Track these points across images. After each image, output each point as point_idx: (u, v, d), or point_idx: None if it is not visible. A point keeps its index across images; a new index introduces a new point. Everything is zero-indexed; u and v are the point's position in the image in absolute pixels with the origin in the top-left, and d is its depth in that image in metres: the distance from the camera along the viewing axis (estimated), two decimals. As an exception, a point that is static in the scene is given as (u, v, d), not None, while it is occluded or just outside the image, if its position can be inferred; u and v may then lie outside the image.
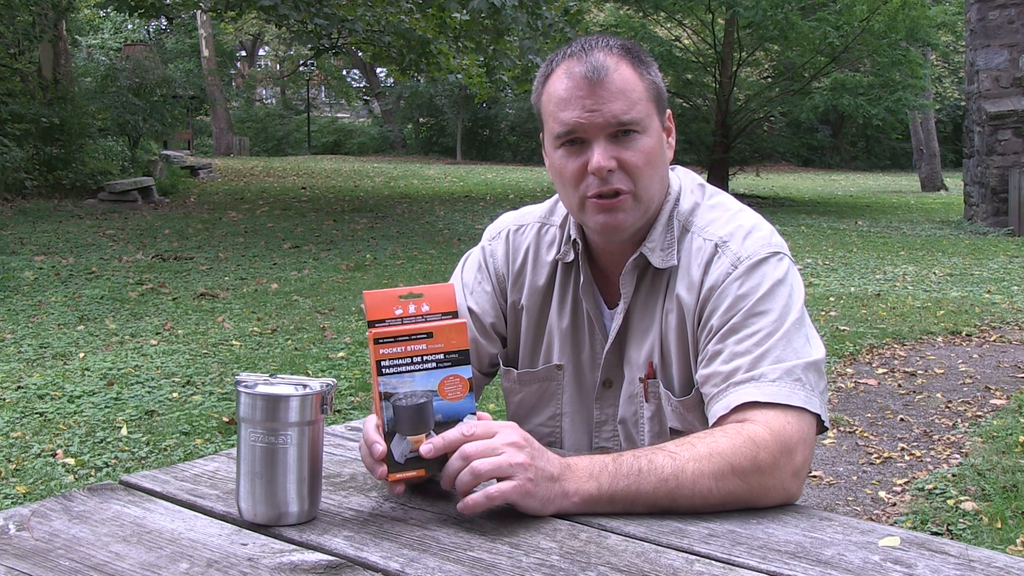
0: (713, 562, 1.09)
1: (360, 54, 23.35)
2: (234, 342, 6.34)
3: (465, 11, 12.06)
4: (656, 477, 1.23)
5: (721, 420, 1.36)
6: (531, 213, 1.68)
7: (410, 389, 1.24)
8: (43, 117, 14.63)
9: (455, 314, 1.30)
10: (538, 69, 1.61)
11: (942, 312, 7.58)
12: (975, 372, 5.84)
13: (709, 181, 1.69)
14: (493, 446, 1.19)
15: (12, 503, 3.63)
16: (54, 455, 4.19)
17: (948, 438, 4.59)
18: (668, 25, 21.43)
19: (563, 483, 1.21)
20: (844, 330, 6.85)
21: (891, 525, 2.64)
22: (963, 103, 18.03)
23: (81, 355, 5.93)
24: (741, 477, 1.25)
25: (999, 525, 3.39)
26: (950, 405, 5.15)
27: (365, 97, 40.50)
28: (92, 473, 4.00)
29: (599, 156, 1.43)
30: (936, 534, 3.15)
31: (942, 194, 23.47)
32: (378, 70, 36.47)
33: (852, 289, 8.81)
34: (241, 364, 5.75)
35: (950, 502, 3.68)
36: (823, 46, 17.82)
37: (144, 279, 8.69)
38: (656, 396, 1.54)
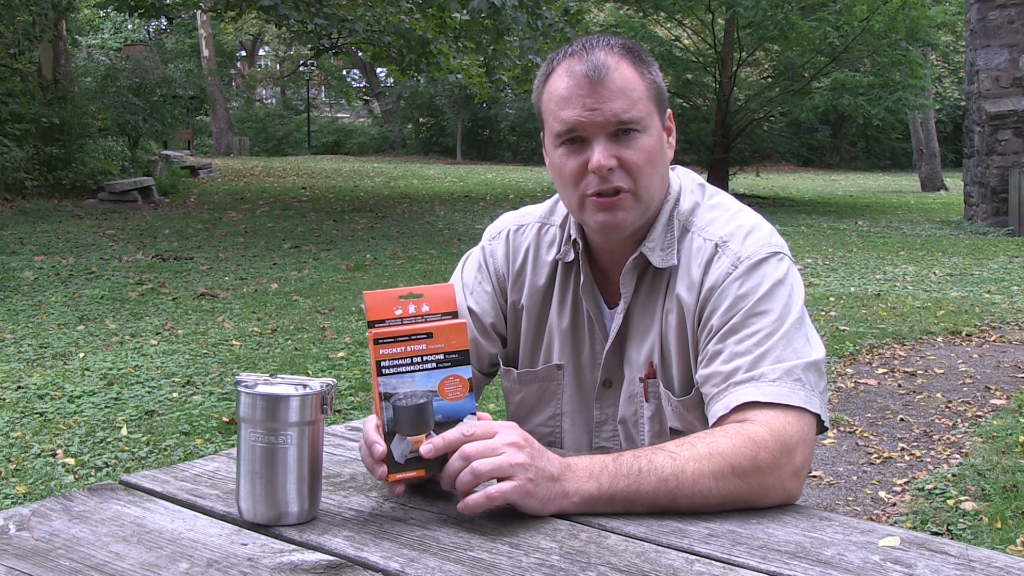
0: (713, 562, 1.09)
1: (360, 54, 23.36)
2: (234, 342, 6.34)
3: (465, 11, 12.05)
4: (656, 477, 1.23)
5: (721, 420, 1.36)
6: (531, 213, 1.68)
7: (410, 389, 1.24)
8: (43, 117, 14.63)
9: (455, 314, 1.30)
10: (538, 69, 1.61)
11: (942, 312, 7.58)
12: (975, 372, 5.84)
13: (709, 181, 1.69)
14: (493, 446, 1.19)
15: (12, 503, 3.63)
16: (54, 455, 4.19)
17: (948, 438, 4.59)
18: (668, 25, 21.44)
19: (563, 483, 1.21)
20: (844, 330, 6.85)
21: (891, 525, 2.65)
22: (963, 103, 18.03)
23: (81, 355, 5.93)
24: (741, 477, 1.25)
25: (999, 525, 3.39)
26: (950, 405, 5.15)
27: (365, 97, 40.51)
28: (92, 473, 4.01)
29: (599, 155, 1.43)
30: (936, 534, 3.15)
31: (942, 194, 23.48)
32: (378, 70, 36.49)
33: (852, 289, 8.81)
34: (241, 364, 5.75)
35: (950, 502, 3.68)
36: (823, 46, 17.82)
37: (144, 279, 8.69)
38: (656, 396, 1.54)
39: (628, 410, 1.57)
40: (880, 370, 5.89)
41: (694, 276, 1.48)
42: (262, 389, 1.19)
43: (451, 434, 1.22)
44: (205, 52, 31.35)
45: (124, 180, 15.16)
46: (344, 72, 39.98)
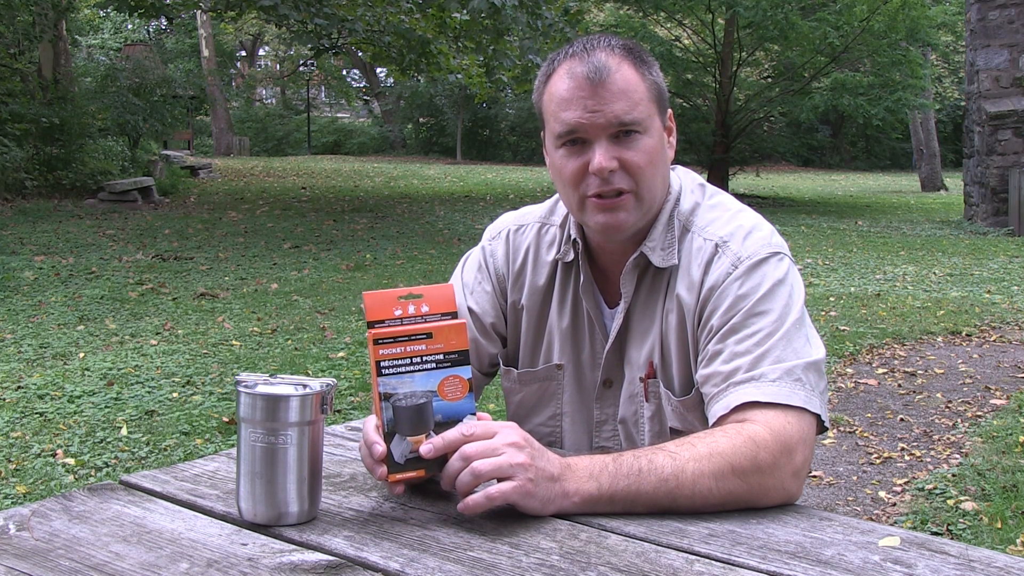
0: (713, 562, 1.09)
1: (360, 54, 23.36)
2: (234, 342, 6.34)
3: (465, 11, 12.05)
4: (656, 477, 1.23)
5: (721, 420, 1.36)
6: (531, 213, 1.68)
7: (410, 389, 1.24)
8: (43, 117, 14.63)
9: (455, 315, 1.30)
10: (538, 69, 1.61)
11: (942, 312, 7.58)
12: (975, 372, 5.84)
13: (709, 181, 1.69)
14: (493, 446, 1.19)
15: (12, 503, 3.63)
16: (54, 455, 4.19)
17: (948, 438, 4.59)
18: (668, 25, 21.44)
19: (563, 483, 1.21)
20: (844, 330, 6.85)
21: (891, 525, 2.65)
22: (963, 103, 18.03)
23: (81, 355, 5.93)
24: (741, 477, 1.25)
25: (999, 525, 3.39)
26: (950, 405, 5.15)
27: (365, 97, 40.51)
28: (92, 473, 4.01)
29: (600, 157, 1.43)
30: (936, 534, 3.15)
31: (942, 194, 23.48)
32: (378, 70, 36.49)
33: (852, 289, 8.81)
34: (241, 364, 5.75)
35: (950, 502, 3.68)
36: (823, 46, 17.83)
37: (144, 279, 8.69)
38: (656, 396, 1.54)
39: (628, 410, 1.57)
40: (880, 370, 5.89)
41: (694, 276, 1.48)
42: (262, 389, 1.19)
43: (451, 434, 1.22)
44: (205, 52, 31.35)
45: (124, 180, 15.16)
46: (344, 72, 39.99)
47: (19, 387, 5.22)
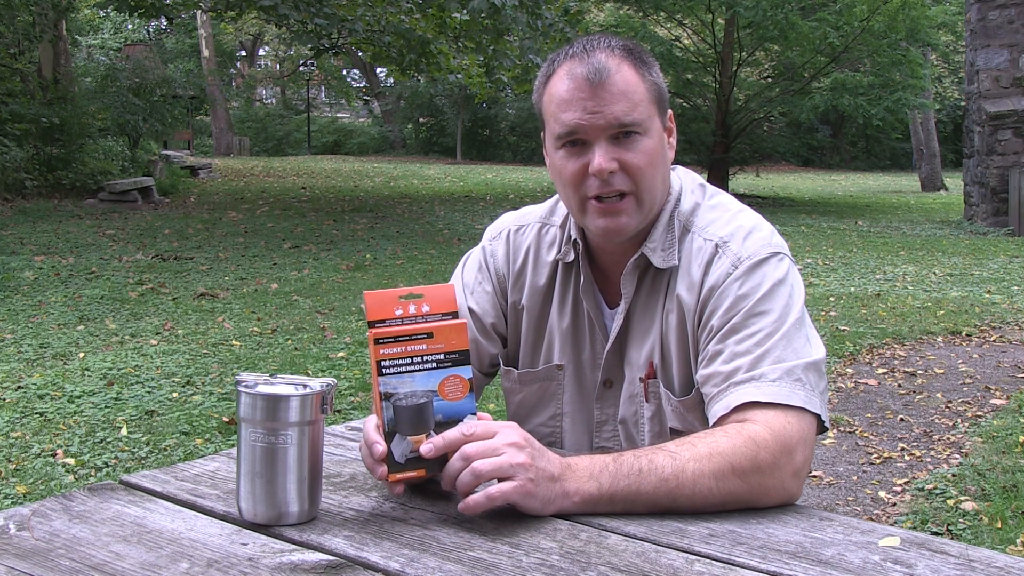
0: (713, 562, 1.09)
1: (360, 54, 23.36)
2: (234, 342, 6.34)
3: (465, 11, 12.05)
4: (656, 477, 1.23)
5: (721, 420, 1.36)
6: (532, 213, 1.68)
7: (410, 389, 1.24)
8: (43, 117, 14.63)
9: (455, 314, 1.30)
10: (538, 69, 1.62)
11: (942, 312, 7.58)
12: (975, 372, 5.84)
13: (709, 181, 1.69)
14: (494, 446, 1.19)
15: (12, 503, 3.63)
16: (54, 455, 4.19)
17: (948, 438, 4.59)
18: (668, 25, 21.44)
19: (564, 483, 1.21)
20: (844, 330, 6.85)
21: (891, 525, 2.65)
22: (963, 103, 18.04)
23: (81, 355, 5.93)
24: (741, 477, 1.25)
25: (999, 525, 3.39)
26: (950, 405, 5.15)
27: (365, 97, 40.51)
28: (92, 473, 4.01)
29: (600, 158, 1.43)
30: (936, 534, 3.15)
31: (942, 194, 23.48)
32: (378, 70, 36.49)
33: (852, 289, 8.81)
34: (241, 364, 5.75)
35: (950, 502, 3.68)
36: (823, 46, 17.83)
37: (144, 279, 8.69)
38: (656, 396, 1.54)
39: (628, 410, 1.57)
40: (880, 370, 5.89)
41: (694, 276, 1.48)
42: (262, 389, 1.19)
43: (451, 434, 1.22)
44: (205, 52, 31.35)
45: (124, 180, 15.16)
46: (344, 72, 39.98)
47: (19, 387, 5.22)
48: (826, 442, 4.52)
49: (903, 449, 4.44)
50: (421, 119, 34.99)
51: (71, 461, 4.12)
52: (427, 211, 15.45)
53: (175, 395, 5.10)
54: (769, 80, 21.42)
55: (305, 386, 1.20)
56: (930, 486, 3.87)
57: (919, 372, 5.83)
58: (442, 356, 1.25)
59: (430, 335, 1.25)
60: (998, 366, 5.99)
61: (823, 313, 7.49)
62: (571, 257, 1.59)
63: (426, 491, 1.31)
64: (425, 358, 1.24)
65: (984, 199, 14.43)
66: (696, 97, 20.27)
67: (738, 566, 1.08)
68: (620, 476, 1.23)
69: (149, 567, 1.06)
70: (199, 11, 19.04)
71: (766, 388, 1.34)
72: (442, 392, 1.25)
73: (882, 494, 3.88)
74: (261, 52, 43.39)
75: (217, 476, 1.38)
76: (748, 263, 1.44)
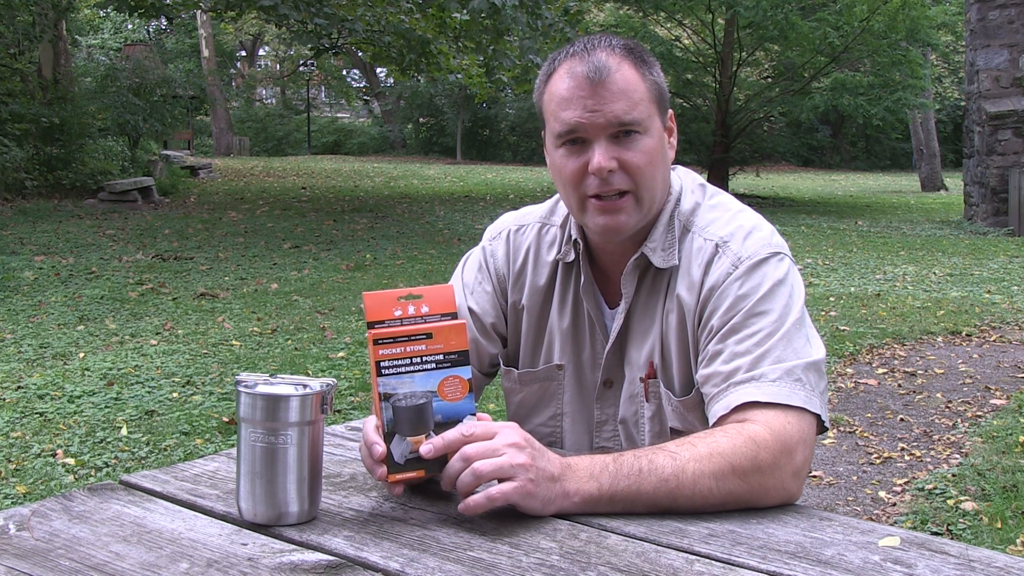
0: (713, 562, 1.09)
1: (360, 54, 23.35)
2: (234, 342, 6.34)
3: (465, 11, 12.05)
4: (657, 477, 1.23)
5: (721, 420, 1.36)
6: (532, 213, 1.68)
7: (410, 390, 1.24)
8: (43, 117, 14.63)
9: (455, 315, 1.30)
10: (538, 69, 1.62)
11: (942, 312, 7.58)
12: (975, 372, 5.84)
13: (709, 181, 1.69)
14: (494, 447, 1.19)
15: (12, 503, 3.63)
16: (54, 455, 4.20)
17: (948, 438, 4.59)
18: (668, 25, 21.44)
19: (564, 483, 1.21)
20: (844, 330, 6.85)
21: (891, 525, 2.64)
22: (963, 103, 18.04)
23: (81, 355, 5.93)
24: (741, 477, 1.25)
25: (999, 525, 3.39)
26: (950, 405, 5.15)
27: (365, 97, 40.51)
28: (92, 473, 4.01)
29: (600, 156, 1.43)
30: (936, 534, 3.15)
31: (942, 194, 23.48)
32: (378, 70, 36.49)
33: (852, 289, 8.81)
34: (241, 364, 5.75)
35: (950, 502, 3.68)
36: (823, 46, 17.83)
37: (144, 279, 8.69)
38: (656, 396, 1.54)
39: (629, 410, 1.57)
40: (880, 370, 5.89)
41: (694, 276, 1.48)
42: (262, 389, 1.19)
43: (451, 435, 1.22)
44: (205, 52, 31.35)
45: (124, 180, 15.16)
46: (344, 72, 39.98)
47: (19, 387, 5.22)
48: (826, 442, 4.52)
49: (903, 449, 4.44)
50: (421, 119, 34.99)
51: (71, 461, 4.12)
52: (427, 211, 15.46)
53: (175, 395, 5.10)
54: (769, 80, 21.42)
55: (305, 386, 1.20)
56: (930, 486, 3.87)
57: (919, 372, 5.83)
58: (441, 357, 1.25)
59: (429, 336, 1.25)
60: (998, 366, 5.99)
61: (823, 313, 7.49)
62: (571, 257, 1.59)
63: (426, 491, 1.31)
64: (424, 359, 1.24)
65: (984, 199, 14.43)
66: (696, 97, 20.28)
67: (738, 566, 1.07)
68: (620, 476, 1.22)
69: (149, 567, 1.06)
70: (199, 11, 19.04)
71: (766, 388, 1.34)
72: (441, 393, 1.25)
73: (882, 494, 3.88)
74: (261, 52, 43.40)
75: (217, 476, 1.38)
76: (748, 263, 1.44)
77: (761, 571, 1.06)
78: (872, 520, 3.41)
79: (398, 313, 1.27)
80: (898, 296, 8.41)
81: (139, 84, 18.40)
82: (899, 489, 3.93)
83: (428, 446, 1.22)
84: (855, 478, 4.09)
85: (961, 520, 3.48)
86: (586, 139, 1.45)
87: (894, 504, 3.76)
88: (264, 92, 41.61)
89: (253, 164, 25.39)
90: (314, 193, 17.85)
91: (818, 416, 1.35)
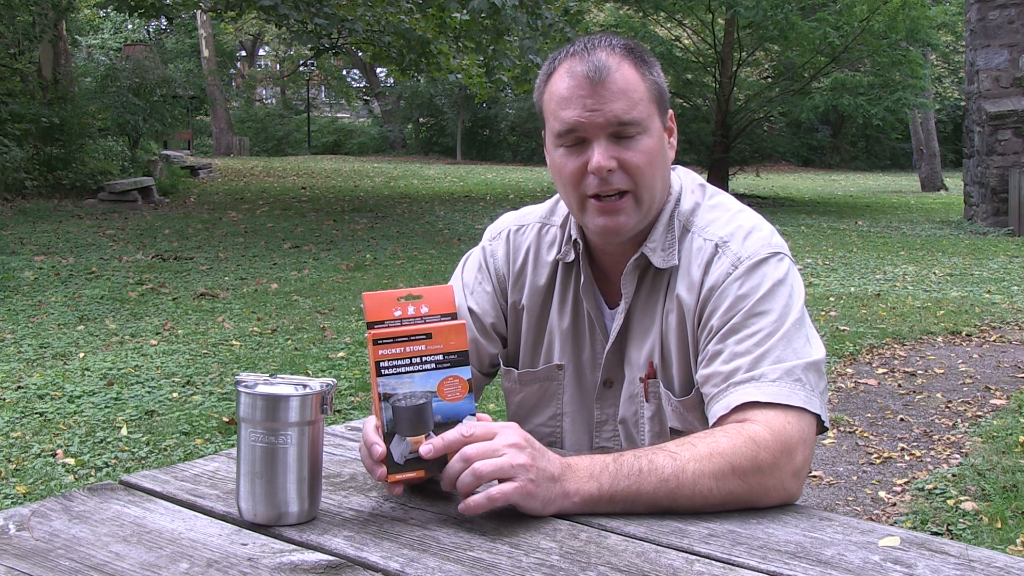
0: (713, 562, 1.09)
1: (360, 54, 23.35)
2: (234, 342, 6.34)
3: (465, 11, 12.05)
4: (657, 477, 1.23)
5: (721, 420, 1.36)
6: (532, 213, 1.68)
7: (409, 390, 1.24)
8: (43, 117, 14.63)
9: (454, 315, 1.30)
10: (538, 69, 1.62)
11: (942, 312, 7.58)
12: (975, 372, 5.84)
13: (709, 181, 1.69)
14: (494, 447, 1.19)
15: (12, 503, 3.63)
16: (54, 455, 4.19)
17: (948, 438, 4.59)
18: (668, 25, 21.44)
19: (564, 483, 1.21)
20: (844, 330, 6.85)
21: (891, 525, 2.64)
22: (963, 103, 18.04)
23: (81, 355, 5.93)
24: (741, 477, 1.25)
25: (999, 525, 3.39)
26: (950, 405, 5.15)
27: (365, 97, 40.51)
28: (92, 473, 4.01)
29: (599, 156, 1.43)
30: (936, 534, 3.15)
31: (942, 194, 23.48)
32: (378, 70, 36.49)
33: (852, 289, 8.81)
34: (241, 364, 5.75)
35: (950, 502, 3.68)
36: (823, 46, 17.83)
37: (144, 279, 8.69)
38: (656, 396, 1.54)
39: (628, 410, 1.57)
40: (880, 370, 5.89)
41: (694, 276, 1.48)
42: (262, 389, 1.19)
43: (451, 435, 1.22)
44: (205, 52, 31.34)
45: (124, 180, 15.16)
46: (344, 72, 39.98)
47: (19, 387, 5.22)
48: (826, 442, 4.52)
49: (903, 449, 4.44)
50: (421, 119, 34.98)
51: (71, 461, 4.12)
52: (427, 211, 15.46)
53: (175, 395, 5.10)
54: (769, 80, 21.42)
55: (305, 386, 1.20)
56: (930, 486, 3.87)
57: (919, 372, 5.83)
58: (441, 357, 1.25)
59: (429, 336, 1.25)
60: (998, 366, 5.99)
61: (823, 313, 7.49)
62: (571, 257, 1.59)
63: (426, 491, 1.31)
64: (424, 359, 1.24)
65: (984, 199, 14.43)
66: (696, 97, 20.28)
67: (738, 566, 1.07)
68: (620, 476, 1.22)
69: (149, 567, 1.06)
70: (199, 11, 19.04)
71: (766, 388, 1.34)
72: (441, 393, 1.25)
73: (882, 494, 3.88)
74: (261, 52, 43.40)
75: (217, 476, 1.38)
76: (748, 263, 1.44)
77: (761, 571, 1.06)
78: (872, 520, 3.41)
79: (398, 313, 1.27)
80: (898, 296, 8.41)
81: (139, 84, 18.40)
82: (899, 489, 3.93)
83: (428, 446, 1.22)
84: (855, 478, 4.09)
85: (961, 520, 3.48)
86: (586, 138, 1.45)
87: (894, 504, 3.76)
88: (264, 92, 41.60)
89: (253, 164, 25.39)
90: (314, 193, 17.85)
91: (818, 416, 1.35)
